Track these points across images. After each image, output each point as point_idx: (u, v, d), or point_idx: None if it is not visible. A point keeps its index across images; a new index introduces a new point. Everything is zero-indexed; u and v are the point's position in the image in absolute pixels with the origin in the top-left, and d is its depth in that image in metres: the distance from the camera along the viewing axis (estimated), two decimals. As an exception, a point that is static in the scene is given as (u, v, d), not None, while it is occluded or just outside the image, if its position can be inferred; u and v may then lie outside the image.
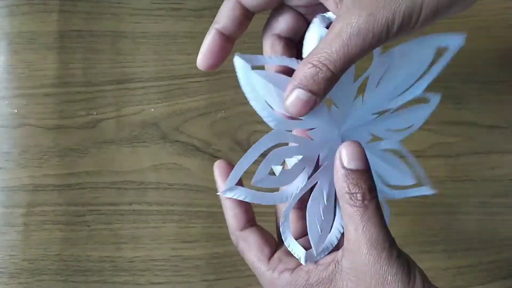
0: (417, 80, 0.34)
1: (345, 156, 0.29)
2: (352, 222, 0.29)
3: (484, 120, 0.56)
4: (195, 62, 0.54)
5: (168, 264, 0.51)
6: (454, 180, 0.54)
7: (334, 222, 0.33)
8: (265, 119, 0.30)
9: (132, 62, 0.53)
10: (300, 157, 0.31)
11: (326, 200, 0.32)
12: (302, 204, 0.33)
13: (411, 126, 0.36)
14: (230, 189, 0.31)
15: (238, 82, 0.29)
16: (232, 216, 0.34)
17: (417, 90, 0.34)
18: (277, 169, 0.31)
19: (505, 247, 0.55)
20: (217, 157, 0.52)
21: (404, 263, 0.29)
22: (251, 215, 0.34)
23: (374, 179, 0.31)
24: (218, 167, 0.34)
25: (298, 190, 0.32)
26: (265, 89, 0.29)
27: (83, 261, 0.50)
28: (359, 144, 0.29)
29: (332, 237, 0.32)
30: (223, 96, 0.53)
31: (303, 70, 0.27)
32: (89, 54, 0.52)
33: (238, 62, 0.29)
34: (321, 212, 0.32)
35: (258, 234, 0.33)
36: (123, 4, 0.53)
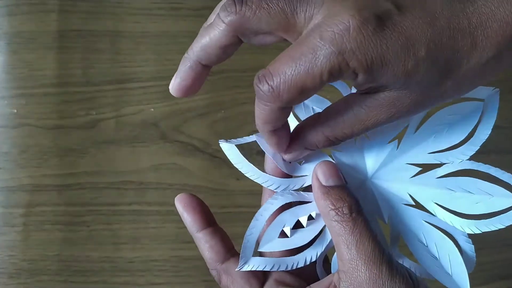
0: (464, 140, 0.30)
1: (321, 175, 0.28)
2: (343, 241, 0.27)
3: (484, 120, 0.55)
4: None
5: (167, 265, 0.51)
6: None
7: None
8: (266, 186, 0.30)
9: (132, 62, 0.53)
10: (315, 213, 0.30)
11: None
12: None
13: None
14: (246, 262, 0.29)
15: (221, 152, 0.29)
16: (208, 249, 0.30)
17: (468, 151, 0.30)
18: (288, 230, 0.30)
19: (505, 247, 0.55)
20: (216, 157, 0.52)
21: (405, 274, 0.27)
22: (230, 245, 0.31)
23: (417, 246, 0.29)
24: (180, 201, 0.31)
25: (324, 248, 0.30)
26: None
27: (82, 261, 0.50)
28: (332, 163, 0.29)
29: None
30: (223, 96, 0.53)
31: (315, 138, 0.27)
32: (88, 54, 0.52)
33: (224, 146, 0.29)
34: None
35: None
36: (122, 3, 0.53)
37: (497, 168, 0.30)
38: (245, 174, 0.29)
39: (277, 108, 0.24)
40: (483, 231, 0.29)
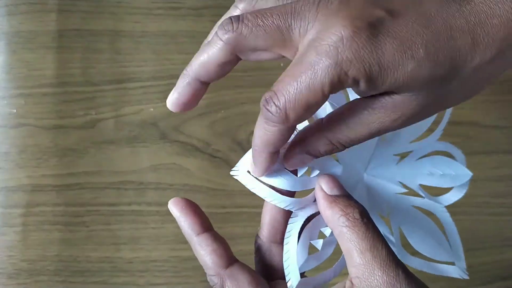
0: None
1: (325, 185, 0.28)
2: (355, 246, 0.26)
3: (484, 120, 0.55)
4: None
5: (167, 265, 0.51)
6: (454, 180, 0.54)
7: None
8: (287, 208, 0.29)
9: (131, 61, 0.52)
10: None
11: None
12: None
13: (449, 190, 0.35)
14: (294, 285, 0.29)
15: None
16: (211, 252, 0.29)
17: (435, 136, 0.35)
18: (318, 243, 0.30)
19: (505, 247, 0.55)
20: (216, 157, 0.52)
21: (418, 279, 0.27)
22: (231, 251, 0.30)
23: (397, 239, 0.31)
24: (175, 204, 0.31)
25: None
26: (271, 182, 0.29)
27: (82, 261, 0.50)
28: (333, 176, 0.29)
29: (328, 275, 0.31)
30: (223, 96, 0.53)
31: (318, 143, 0.27)
32: (88, 54, 0.52)
33: (241, 178, 0.29)
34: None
35: (247, 271, 0.29)
36: (122, 3, 0.53)
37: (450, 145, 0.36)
38: (265, 199, 0.29)
39: (285, 129, 0.24)
40: (454, 201, 0.35)
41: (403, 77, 0.23)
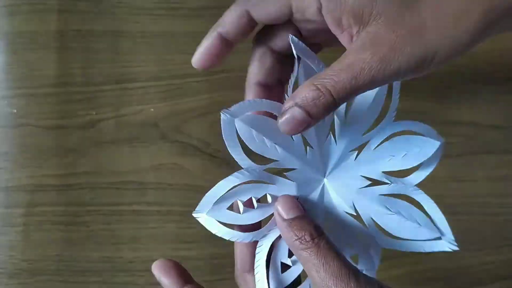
0: (413, 169, 0.34)
1: (281, 210, 0.30)
2: (312, 266, 0.29)
3: (484, 120, 0.55)
4: (194, 62, 0.54)
5: (167, 265, 0.51)
6: (454, 180, 0.54)
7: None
8: (252, 241, 0.31)
9: (132, 62, 0.53)
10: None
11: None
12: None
13: (418, 167, 0.34)
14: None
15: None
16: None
17: (415, 180, 0.34)
18: (288, 260, 0.32)
19: (505, 247, 0.55)
20: (216, 157, 0.52)
21: (374, 283, 0.29)
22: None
23: (373, 230, 0.31)
24: (156, 268, 0.34)
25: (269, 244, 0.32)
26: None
27: (82, 261, 0.50)
28: (290, 196, 0.31)
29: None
30: (223, 96, 0.53)
31: (305, 91, 0.27)
32: (88, 54, 0.52)
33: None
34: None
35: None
36: (122, 3, 0.53)
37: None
38: (229, 239, 0.31)
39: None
40: (424, 177, 0.34)
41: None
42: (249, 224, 0.31)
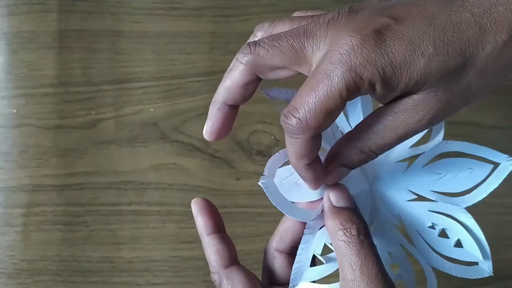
0: (462, 193, 0.33)
1: (333, 196, 0.29)
2: (348, 261, 0.27)
3: (484, 120, 0.55)
4: (195, 61, 0.54)
5: (167, 265, 0.51)
6: (454, 180, 0.54)
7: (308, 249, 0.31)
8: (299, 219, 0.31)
9: (132, 61, 0.53)
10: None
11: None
12: (294, 250, 0.32)
13: (468, 191, 0.33)
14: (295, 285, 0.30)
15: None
16: (215, 252, 0.31)
17: (462, 203, 0.33)
18: (323, 258, 0.31)
19: (505, 247, 0.55)
20: (216, 157, 0.52)
21: None
22: (235, 253, 0.32)
23: (420, 243, 0.31)
24: (195, 203, 0.33)
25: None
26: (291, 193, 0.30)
27: (82, 261, 0.50)
28: (344, 186, 0.30)
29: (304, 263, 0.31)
30: (223, 96, 0.53)
31: (351, 154, 0.28)
32: (88, 54, 0.52)
33: (264, 186, 0.30)
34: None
35: (243, 273, 0.31)
36: (122, 3, 0.53)
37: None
38: (279, 209, 0.30)
39: (309, 138, 0.25)
40: (475, 202, 0.32)
41: (416, 74, 0.24)
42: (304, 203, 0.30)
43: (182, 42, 0.53)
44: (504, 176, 0.32)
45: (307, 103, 0.24)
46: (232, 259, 0.32)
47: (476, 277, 0.32)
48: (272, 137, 0.53)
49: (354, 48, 0.24)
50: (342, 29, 0.25)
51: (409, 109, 0.26)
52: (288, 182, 0.30)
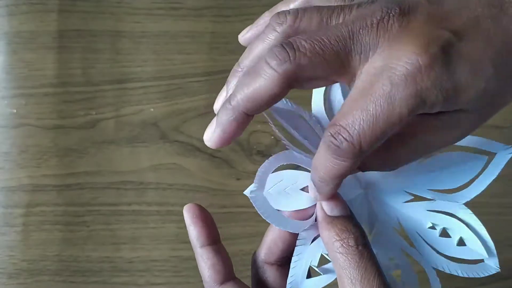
0: (459, 188, 0.32)
1: (326, 205, 0.27)
2: (347, 275, 0.25)
3: (484, 120, 0.55)
4: (195, 62, 0.54)
5: (167, 265, 0.51)
6: (454, 180, 0.54)
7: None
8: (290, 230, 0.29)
9: (132, 61, 0.53)
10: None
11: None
12: (286, 260, 0.30)
13: (465, 186, 0.32)
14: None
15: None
16: (210, 267, 0.30)
17: (461, 199, 0.32)
18: (320, 269, 0.29)
19: (505, 247, 0.55)
20: (216, 157, 0.52)
21: None
22: (231, 265, 0.30)
23: (421, 246, 0.29)
24: (188, 211, 0.30)
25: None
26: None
27: (82, 261, 0.50)
28: (337, 193, 0.28)
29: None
30: (223, 96, 0.53)
31: (376, 161, 0.26)
32: (88, 54, 0.52)
33: (252, 198, 0.28)
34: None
35: None
36: (122, 3, 0.53)
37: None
38: (266, 219, 0.29)
39: (357, 161, 0.23)
40: (473, 197, 0.31)
41: (475, 96, 0.23)
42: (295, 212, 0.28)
43: (182, 42, 0.53)
44: (502, 166, 0.31)
45: (361, 127, 0.22)
46: (229, 274, 0.30)
47: (483, 275, 0.31)
48: (272, 137, 0.53)
49: (422, 69, 0.21)
50: (399, 40, 0.22)
51: (453, 126, 0.24)
52: (275, 190, 0.28)
